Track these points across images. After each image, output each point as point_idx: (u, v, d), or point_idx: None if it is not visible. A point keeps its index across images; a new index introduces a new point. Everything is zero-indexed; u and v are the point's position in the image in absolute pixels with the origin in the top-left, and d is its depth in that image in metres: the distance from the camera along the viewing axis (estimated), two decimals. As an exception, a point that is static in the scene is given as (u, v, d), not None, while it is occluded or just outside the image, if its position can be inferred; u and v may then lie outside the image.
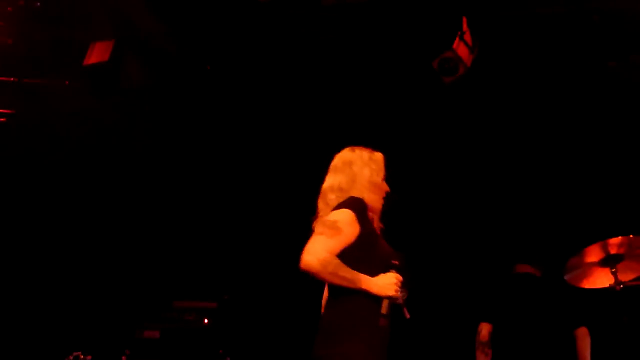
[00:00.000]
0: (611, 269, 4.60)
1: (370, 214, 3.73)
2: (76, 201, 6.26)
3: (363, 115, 6.01)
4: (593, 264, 4.68)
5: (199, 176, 6.15)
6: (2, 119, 5.95)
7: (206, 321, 5.78)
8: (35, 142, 6.15)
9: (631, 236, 4.58)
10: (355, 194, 3.73)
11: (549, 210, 5.94)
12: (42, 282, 6.20)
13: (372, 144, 3.76)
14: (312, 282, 3.39)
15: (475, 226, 6.09)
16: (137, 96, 6.21)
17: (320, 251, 3.46)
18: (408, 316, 3.62)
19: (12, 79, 5.97)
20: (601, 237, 4.59)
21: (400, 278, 3.58)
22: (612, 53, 5.79)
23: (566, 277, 4.74)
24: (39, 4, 5.95)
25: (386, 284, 3.55)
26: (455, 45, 5.69)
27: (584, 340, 5.05)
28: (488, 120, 6.14)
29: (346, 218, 3.59)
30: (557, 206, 5.93)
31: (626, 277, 4.67)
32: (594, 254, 4.63)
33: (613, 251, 4.60)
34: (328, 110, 6.17)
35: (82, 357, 5.11)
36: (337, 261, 3.48)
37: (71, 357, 5.08)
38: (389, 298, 3.54)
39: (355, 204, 3.65)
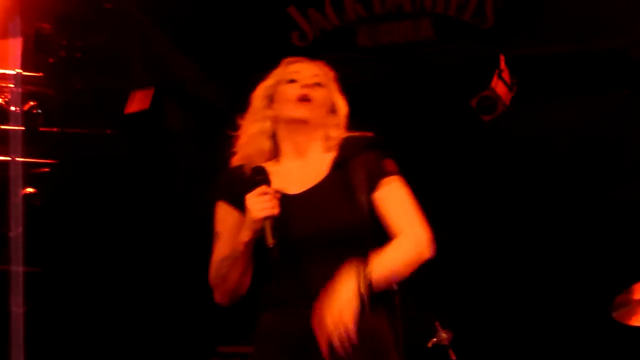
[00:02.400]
0: (660, 305, 4.54)
1: None
2: (119, 248, 6.28)
3: (402, 157, 6.00)
4: (641, 301, 4.62)
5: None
6: (46, 169, 6.02)
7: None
8: (79, 191, 6.21)
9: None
10: None
11: (595, 246, 5.88)
12: (85, 327, 6.20)
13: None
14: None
15: (520, 266, 6.02)
16: (178, 143, 6.27)
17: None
18: (454, 358, 3.48)
19: (55, 129, 6.04)
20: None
21: (270, 191, 2.66)
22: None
23: (614, 315, 4.67)
24: (79, 54, 6.05)
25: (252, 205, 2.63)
26: (493, 84, 5.70)
27: None
28: (529, 157, 6.10)
29: None
30: (603, 242, 5.87)
31: (676, 313, 4.60)
32: (642, 291, 4.58)
33: (662, 288, 4.55)
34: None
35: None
36: None
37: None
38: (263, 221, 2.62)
39: None
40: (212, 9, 6.25)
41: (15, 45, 5.76)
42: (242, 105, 6.18)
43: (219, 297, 2.91)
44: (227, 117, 6.24)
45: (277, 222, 2.65)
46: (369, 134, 2.88)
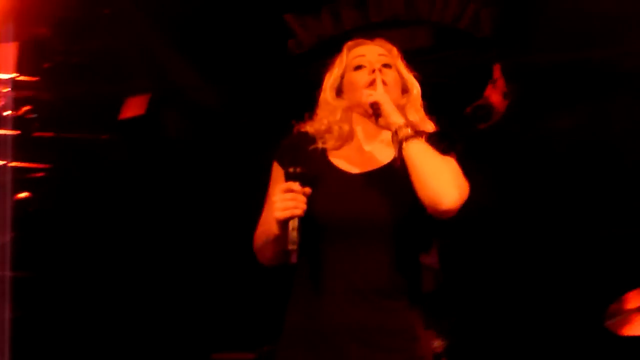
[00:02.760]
0: (652, 315, 4.56)
1: None
2: (113, 254, 6.28)
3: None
4: (633, 310, 4.63)
5: (235, 227, 6.16)
6: (41, 174, 6.02)
7: (245, 373, 5.77)
8: (73, 197, 6.20)
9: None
10: None
11: (590, 255, 5.89)
12: (81, 333, 6.20)
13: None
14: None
15: (516, 274, 6.02)
16: (175, 149, 6.27)
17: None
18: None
19: (50, 134, 6.04)
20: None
21: (296, 188, 2.51)
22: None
23: (607, 324, 4.69)
24: (76, 59, 6.05)
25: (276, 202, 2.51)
26: (487, 93, 5.72)
27: None
28: (524, 165, 6.11)
29: None
30: (597, 251, 5.88)
31: (668, 323, 4.62)
32: (634, 300, 4.59)
33: (654, 297, 4.56)
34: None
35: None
36: None
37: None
38: (283, 222, 2.50)
39: None
40: (210, 15, 6.26)
41: (10, 50, 5.77)
42: (239, 111, 6.26)
43: (259, 259, 2.80)
44: (224, 124, 6.31)
45: (329, 198, 2.60)
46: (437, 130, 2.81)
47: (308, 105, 2.96)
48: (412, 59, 6.29)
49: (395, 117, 2.62)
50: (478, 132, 5.83)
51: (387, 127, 2.65)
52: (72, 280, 6.22)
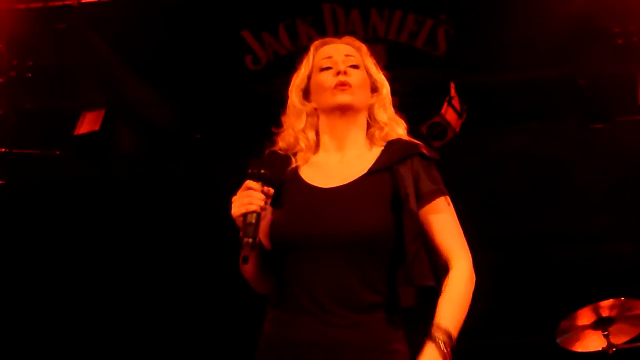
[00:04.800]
0: (603, 332, 4.59)
1: None
2: (64, 271, 6.22)
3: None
4: (585, 327, 4.67)
5: (186, 243, 6.14)
6: (-7, 189, 5.97)
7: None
8: (26, 213, 6.14)
9: (622, 299, 4.58)
10: None
11: (540, 271, 5.94)
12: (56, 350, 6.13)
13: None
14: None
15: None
16: (128, 165, 6.23)
17: None
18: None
19: (3, 150, 5.98)
20: (592, 299, 4.59)
21: (254, 186, 2.51)
22: (598, 115, 5.84)
23: (557, 340, 4.72)
24: (29, 74, 6.00)
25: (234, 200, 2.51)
26: (443, 111, 5.75)
27: None
28: (477, 183, 6.15)
29: None
30: (547, 268, 5.93)
31: (618, 339, 4.66)
32: (585, 317, 4.63)
33: (605, 314, 4.60)
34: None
35: None
36: None
37: None
38: (245, 218, 2.46)
39: None
40: (165, 31, 6.24)
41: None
42: (194, 128, 6.23)
43: (252, 286, 2.75)
44: (178, 140, 6.28)
45: (297, 213, 2.56)
46: (416, 141, 2.74)
47: (264, 121, 2.94)
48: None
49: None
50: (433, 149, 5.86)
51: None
52: (24, 298, 6.15)
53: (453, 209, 2.69)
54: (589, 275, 5.66)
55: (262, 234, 2.61)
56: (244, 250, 2.44)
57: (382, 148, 2.70)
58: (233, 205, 2.50)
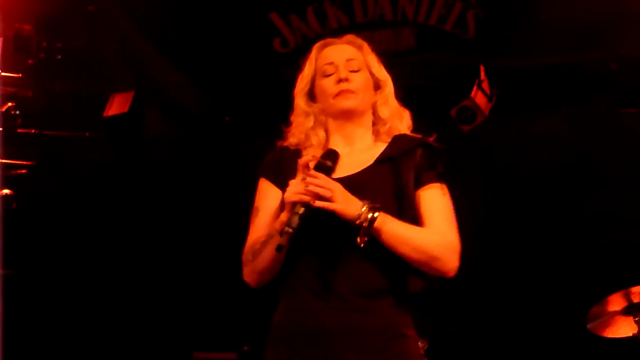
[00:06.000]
0: (634, 317, 4.56)
1: None
2: (96, 252, 6.25)
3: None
4: (615, 313, 4.64)
5: (216, 226, 6.14)
6: (23, 171, 5.99)
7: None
8: (56, 194, 6.17)
9: (654, 284, 4.55)
10: None
11: (570, 256, 5.90)
12: (60, 331, 6.17)
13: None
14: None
15: (495, 275, 6.03)
16: (157, 147, 6.25)
17: None
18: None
19: (33, 131, 6.02)
20: (624, 285, 4.56)
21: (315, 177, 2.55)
22: (629, 99, 5.80)
23: (588, 326, 4.70)
24: (59, 56, 6.02)
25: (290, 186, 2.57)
26: (473, 94, 5.72)
27: None
28: (508, 168, 6.11)
29: None
30: (577, 253, 5.89)
31: (649, 325, 4.63)
32: (616, 303, 4.60)
33: (636, 299, 4.57)
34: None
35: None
36: None
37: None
38: (294, 207, 2.52)
39: None
40: (194, 14, 6.25)
41: (-4, 45, 5.74)
42: (222, 110, 6.24)
43: (246, 274, 2.79)
44: (206, 123, 6.30)
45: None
46: (419, 135, 2.83)
47: (292, 104, 2.96)
48: (397, 60, 6.34)
49: (350, 210, 2.55)
50: (462, 133, 5.83)
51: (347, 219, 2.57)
52: (53, 278, 6.19)
53: (449, 198, 2.75)
54: (619, 261, 5.61)
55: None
56: (282, 238, 2.49)
57: (388, 142, 2.80)
58: (288, 189, 2.56)
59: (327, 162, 2.61)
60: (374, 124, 2.85)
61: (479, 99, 5.77)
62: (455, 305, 5.93)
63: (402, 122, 2.86)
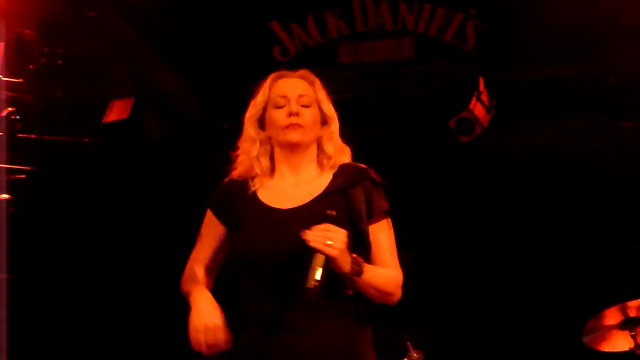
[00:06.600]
0: (630, 332, 4.56)
1: None
2: (93, 256, 6.25)
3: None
4: (612, 327, 4.64)
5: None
6: (22, 176, 5.99)
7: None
8: (55, 199, 6.18)
9: (651, 298, 4.55)
10: None
11: (567, 272, 5.91)
12: (59, 335, 6.17)
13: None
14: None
15: (491, 286, 6.03)
16: (156, 153, 6.26)
17: None
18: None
19: (32, 136, 6.02)
20: (620, 299, 4.57)
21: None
22: (627, 113, 5.82)
23: (584, 340, 4.70)
24: (60, 61, 6.04)
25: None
26: (472, 105, 5.74)
27: None
28: (505, 179, 6.13)
29: None
30: (575, 268, 5.89)
31: (646, 340, 4.63)
32: (612, 317, 4.60)
33: (632, 314, 4.57)
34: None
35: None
36: None
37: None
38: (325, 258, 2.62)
39: None
40: (195, 21, 6.26)
41: (-2, 50, 5.75)
42: (221, 118, 6.25)
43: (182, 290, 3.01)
44: (206, 129, 6.30)
45: (259, 234, 2.75)
46: (364, 166, 2.92)
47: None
48: (397, 70, 6.37)
49: (345, 263, 2.68)
50: (461, 144, 5.85)
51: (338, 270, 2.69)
52: (53, 282, 6.19)
53: (392, 231, 2.89)
54: (616, 275, 5.62)
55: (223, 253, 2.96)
56: (311, 290, 2.59)
57: (333, 172, 2.90)
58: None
59: (333, 212, 2.70)
60: (317, 155, 2.95)
61: (478, 110, 5.79)
62: (451, 317, 5.94)
63: (345, 156, 2.96)
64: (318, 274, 2.57)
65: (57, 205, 6.18)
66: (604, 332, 4.67)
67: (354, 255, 2.69)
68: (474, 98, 5.77)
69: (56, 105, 6.15)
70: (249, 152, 2.94)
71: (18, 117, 5.72)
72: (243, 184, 2.92)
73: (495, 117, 5.91)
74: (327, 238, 2.62)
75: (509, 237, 6.00)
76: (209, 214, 3.01)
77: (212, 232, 2.99)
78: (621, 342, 4.64)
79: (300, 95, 2.91)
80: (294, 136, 2.86)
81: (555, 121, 5.94)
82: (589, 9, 5.66)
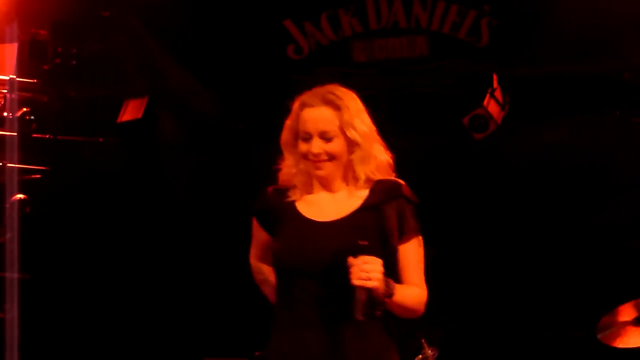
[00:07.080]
0: (645, 328, 4.56)
1: None
2: (109, 256, 6.28)
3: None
4: (626, 323, 4.63)
5: (228, 232, 6.14)
6: (37, 175, 6.02)
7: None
8: (70, 198, 6.20)
9: (665, 295, 4.54)
10: None
11: (582, 269, 5.89)
12: (73, 335, 6.19)
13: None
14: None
15: (506, 284, 6.02)
16: (171, 153, 6.28)
17: None
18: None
19: (47, 136, 6.05)
20: (634, 296, 4.56)
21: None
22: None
23: (598, 336, 4.69)
24: (74, 61, 6.06)
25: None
26: (485, 103, 5.73)
27: None
28: (520, 176, 6.11)
29: None
30: (590, 265, 5.88)
31: (660, 336, 4.62)
32: (626, 313, 4.59)
33: (647, 310, 4.57)
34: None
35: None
36: None
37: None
38: (366, 291, 2.72)
39: None
40: (209, 20, 6.28)
41: (11, 51, 5.78)
42: (236, 117, 6.26)
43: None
44: (220, 129, 6.32)
45: (298, 244, 2.86)
46: (400, 182, 2.98)
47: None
48: (411, 67, 6.36)
49: (380, 291, 2.76)
50: (475, 142, 5.84)
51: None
52: (67, 281, 6.22)
53: (422, 249, 2.98)
54: (631, 271, 5.61)
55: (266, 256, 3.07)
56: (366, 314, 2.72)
57: (369, 187, 2.95)
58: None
59: (365, 242, 2.74)
60: (351, 174, 2.97)
61: (492, 107, 5.78)
62: (466, 314, 5.93)
63: (380, 173, 2.98)
64: (366, 306, 2.69)
65: (72, 204, 6.21)
66: (619, 328, 4.65)
67: (386, 278, 2.76)
68: (488, 95, 5.76)
69: (70, 105, 6.18)
70: (288, 170, 3.01)
71: (33, 117, 5.76)
72: (283, 193, 3.00)
73: (509, 114, 5.90)
74: (365, 271, 2.68)
75: (523, 234, 5.99)
76: (254, 221, 3.11)
77: (258, 234, 3.10)
78: (636, 339, 4.63)
79: (323, 132, 2.88)
80: (319, 172, 2.92)
81: (569, 118, 5.92)
82: (602, 5, 5.65)
